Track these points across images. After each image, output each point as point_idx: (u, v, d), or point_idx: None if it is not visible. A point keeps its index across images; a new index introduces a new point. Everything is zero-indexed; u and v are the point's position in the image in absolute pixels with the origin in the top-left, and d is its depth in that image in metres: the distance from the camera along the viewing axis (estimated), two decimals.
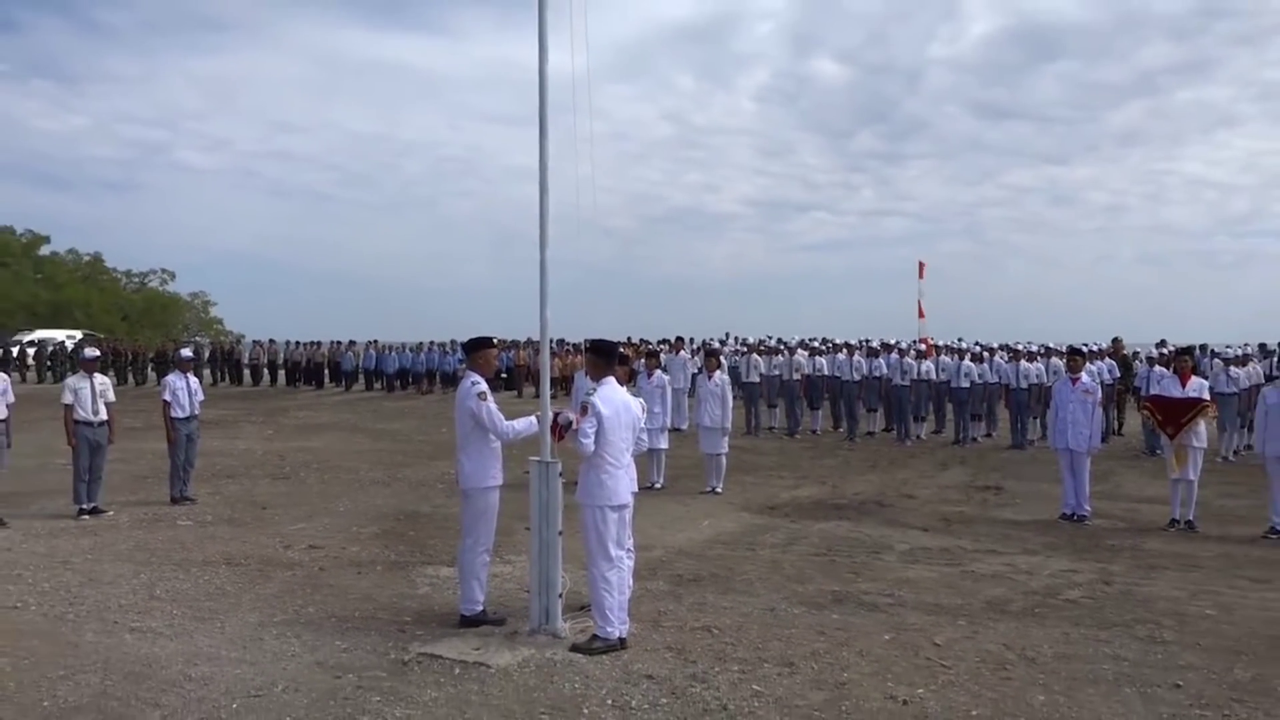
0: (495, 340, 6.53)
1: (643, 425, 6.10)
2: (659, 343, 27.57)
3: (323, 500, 10.77)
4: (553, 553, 5.77)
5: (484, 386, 6.14)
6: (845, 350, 18.73)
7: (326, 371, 32.44)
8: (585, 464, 5.74)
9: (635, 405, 5.96)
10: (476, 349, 6.33)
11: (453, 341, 30.64)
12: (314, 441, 16.53)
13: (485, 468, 6.12)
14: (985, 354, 18.27)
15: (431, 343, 31.54)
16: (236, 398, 26.97)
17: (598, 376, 5.92)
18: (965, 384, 16.90)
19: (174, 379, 10.69)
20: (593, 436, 5.63)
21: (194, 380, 10.83)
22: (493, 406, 6.10)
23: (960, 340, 21.50)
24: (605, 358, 5.97)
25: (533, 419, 6.08)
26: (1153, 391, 11.70)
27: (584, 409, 5.68)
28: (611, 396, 5.78)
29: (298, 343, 33.01)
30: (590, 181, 5.83)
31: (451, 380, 28.94)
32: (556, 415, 5.85)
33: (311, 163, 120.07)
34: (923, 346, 18.24)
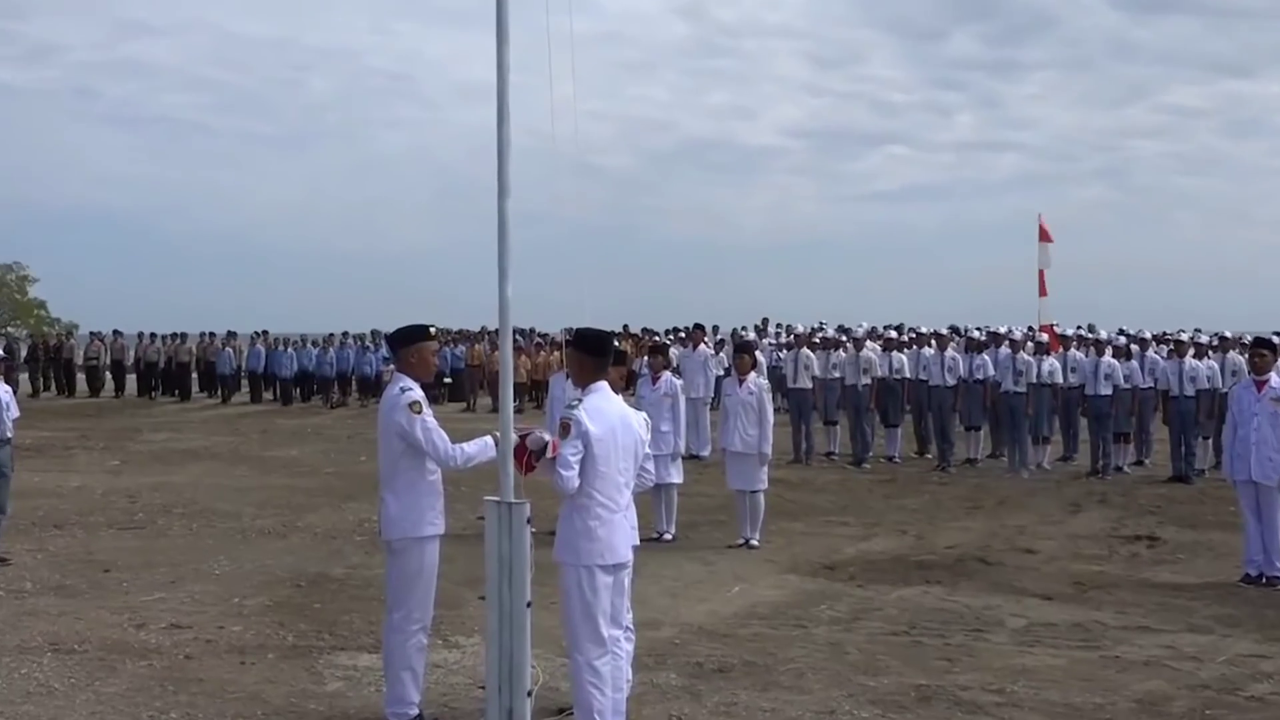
0: (434, 330, 6.55)
1: (647, 450, 6.09)
2: (669, 333, 27.62)
3: (191, 559, 10.76)
4: (518, 633, 5.76)
5: (418, 394, 6.16)
6: (934, 342, 18.72)
7: (196, 376, 32.44)
8: (566, 506, 5.74)
9: (638, 422, 5.96)
10: (407, 343, 6.36)
11: (374, 333, 30.64)
12: (178, 475, 16.52)
13: (419, 510, 6.12)
14: (1134, 347, 18.24)
15: (345, 335, 31.57)
16: (67, 413, 26.94)
17: (584, 381, 5.92)
18: (1106, 390, 16.89)
19: None
20: (577, 468, 5.64)
21: (5, 390, 10.83)
22: (431, 422, 6.11)
23: (1097, 328, 21.50)
24: (594, 355, 5.97)
25: (488, 440, 6.09)
26: None
27: (565, 427, 5.68)
28: (604, 409, 5.79)
29: (154, 335, 33.05)
30: (571, 103, 5.83)
31: (373, 388, 28.96)
32: (524, 436, 5.85)
33: (176, 79, 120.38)
34: (1045, 337, 18.23)
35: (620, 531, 5.77)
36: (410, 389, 6.17)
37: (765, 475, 11.65)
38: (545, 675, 6.02)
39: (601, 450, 5.69)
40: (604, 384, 5.92)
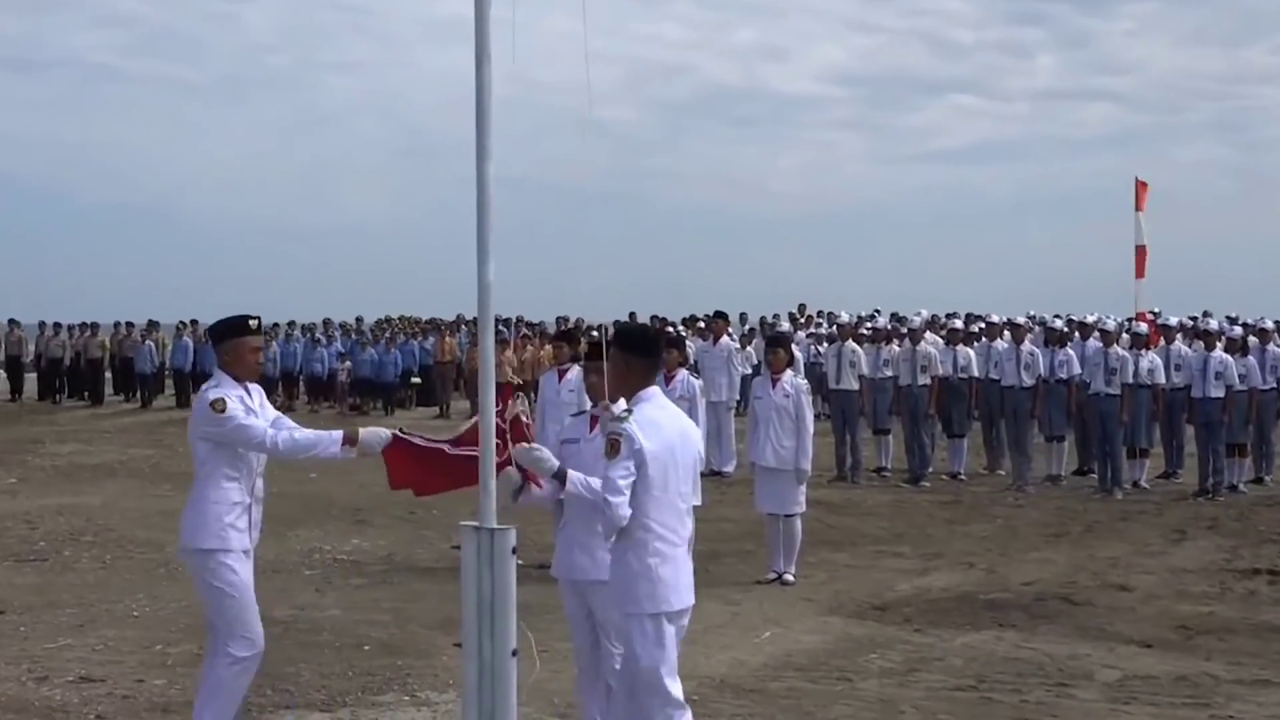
0: (254, 324, 6.90)
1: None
2: (685, 322, 27.61)
3: (103, 598, 10.79)
4: (501, 687, 5.76)
5: (223, 390, 6.55)
6: (1007, 334, 18.70)
7: (109, 375, 32.44)
8: (619, 541, 5.73)
9: (696, 434, 6.03)
10: (222, 339, 6.81)
11: (326, 324, 30.77)
12: (88, 496, 16.53)
13: (205, 519, 6.62)
14: (1252, 339, 18.19)
15: (290, 325, 31.62)
16: None
17: (631, 390, 5.90)
18: (1217, 392, 16.84)
19: None
20: (628, 493, 5.59)
21: None
22: (237, 415, 6.46)
23: (1207, 316, 21.46)
24: (643, 355, 5.97)
25: (333, 434, 6.55)
26: None
27: (613, 445, 5.64)
28: (660, 421, 5.76)
29: (58, 326, 33.09)
30: (580, 42, 5.82)
31: (325, 389, 29.06)
32: (510, 448, 5.88)
33: (83, 15, 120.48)
34: (1143, 327, 18.21)
35: (685, 570, 5.82)
36: (216, 385, 6.60)
37: (802, 496, 11.64)
38: None
39: (658, 471, 5.66)
40: (655, 390, 5.92)
